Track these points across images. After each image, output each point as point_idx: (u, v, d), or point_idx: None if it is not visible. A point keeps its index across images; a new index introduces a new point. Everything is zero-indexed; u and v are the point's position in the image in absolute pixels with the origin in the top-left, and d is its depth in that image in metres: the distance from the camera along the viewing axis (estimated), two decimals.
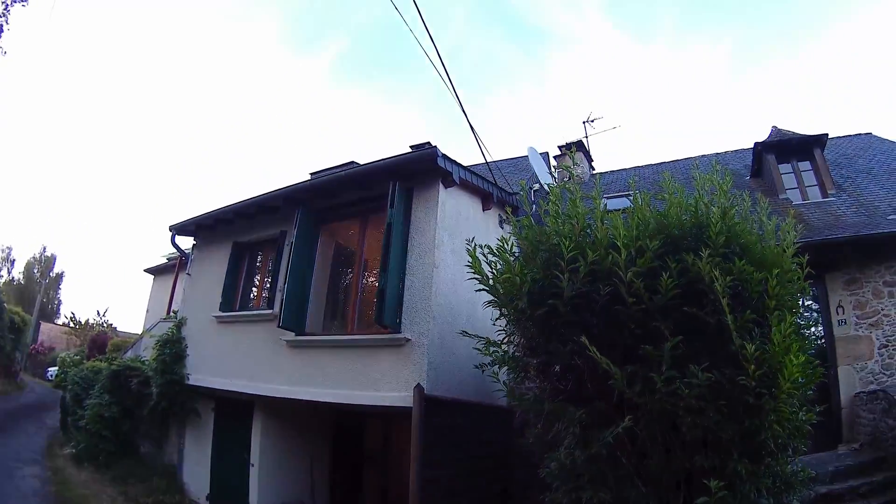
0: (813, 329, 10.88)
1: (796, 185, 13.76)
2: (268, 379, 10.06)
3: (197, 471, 12.13)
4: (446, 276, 8.78)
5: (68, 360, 31.12)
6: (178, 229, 13.00)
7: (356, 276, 10.06)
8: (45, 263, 59.29)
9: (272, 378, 9.99)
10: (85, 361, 27.45)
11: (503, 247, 6.16)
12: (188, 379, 11.97)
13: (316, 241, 10.10)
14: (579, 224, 5.76)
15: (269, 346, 10.19)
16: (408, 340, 8.35)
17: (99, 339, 30.83)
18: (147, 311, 25.37)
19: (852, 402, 10.50)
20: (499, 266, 6.12)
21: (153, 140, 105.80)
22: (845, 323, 11.00)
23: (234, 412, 11.44)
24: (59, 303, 59.97)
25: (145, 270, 25.76)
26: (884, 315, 10.83)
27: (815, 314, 11.16)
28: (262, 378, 10.18)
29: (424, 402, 7.79)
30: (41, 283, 55.34)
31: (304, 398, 9.40)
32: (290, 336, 9.68)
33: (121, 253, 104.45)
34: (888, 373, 10.60)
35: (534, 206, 10.50)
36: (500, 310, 6.38)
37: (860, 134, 17.20)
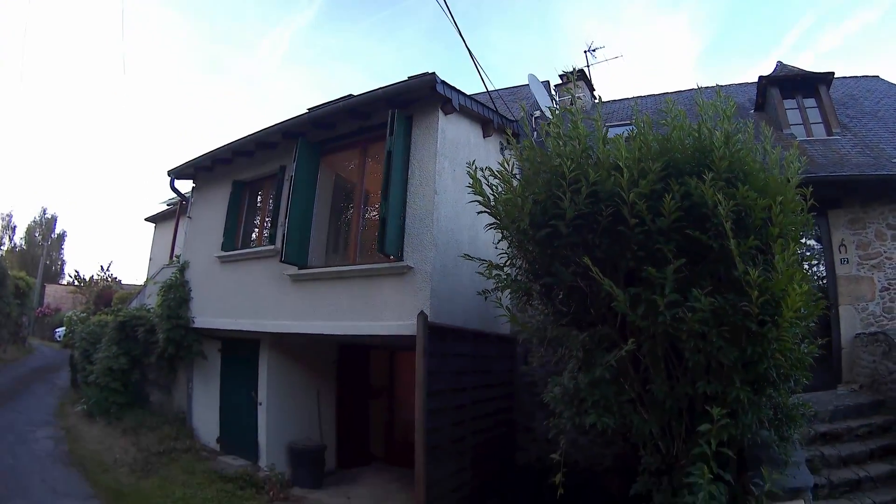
0: (815, 266, 10.84)
1: (801, 122, 13.49)
2: (273, 315, 9.98)
3: (206, 415, 12.16)
4: (447, 204, 8.64)
5: (75, 318, 30.97)
6: (177, 173, 12.80)
7: (357, 207, 9.89)
8: (46, 226, 58.65)
9: (277, 314, 9.91)
10: (91, 318, 27.56)
11: (504, 169, 6.04)
12: (193, 322, 11.89)
13: (316, 174, 9.90)
14: (581, 145, 5.60)
15: (273, 282, 10.08)
16: (410, 269, 8.25)
17: (104, 294, 31.20)
18: (150, 259, 25.03)
19: (853, 343, 10.47)
20: (500, 188, 6.04)
21: (149, 87, 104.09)
22: (847, 262, 10.93)
23: (240, 352, 11.42)
24: (63, 263, 59.47)
25: (146, 219, 25.43)
26: (886, 258, 10.78)
27: (817, 254, 11.06)
28: (267, 315, 10.09)
29: (428, 329, 7.68)
30: (43, 245, 55.18)
31: (308, 332, 9.37)
32: (293, 270, 9.56)
33: (121, 205, 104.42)
34: (889, 316, 10.57)
35: (534, 133, 10.40)
36: (502, 232, 6.29)
37: (867, 76, 16.93)
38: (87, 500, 9.01)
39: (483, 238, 8.19)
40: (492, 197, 6.03)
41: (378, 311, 8.54)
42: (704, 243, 4.90)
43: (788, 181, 5.35)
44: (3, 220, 53.91)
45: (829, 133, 13.07)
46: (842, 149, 12.31)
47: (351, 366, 12.25)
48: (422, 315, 7.68)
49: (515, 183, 5.98)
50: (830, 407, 7.80)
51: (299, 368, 11.32)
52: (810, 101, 13.76)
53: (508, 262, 6.63)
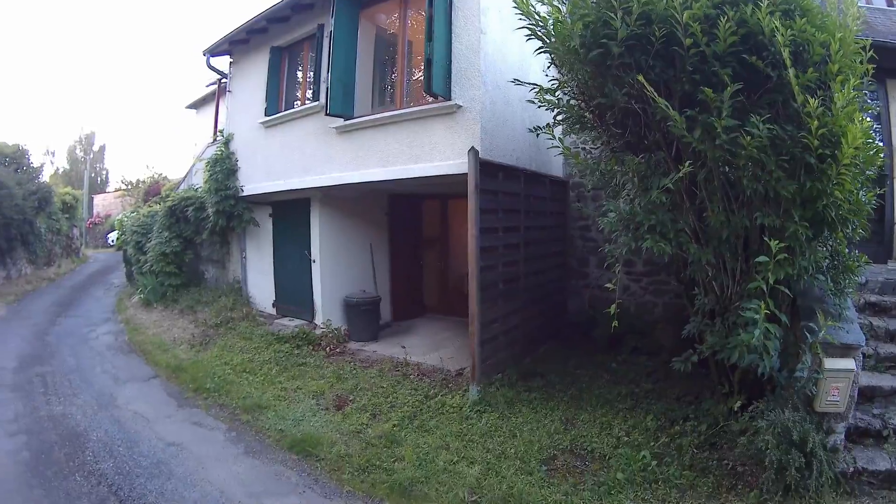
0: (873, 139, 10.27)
1: None
2: (321, 170, 9.87)
3: (261, 282, 12.35)
4: (493, 43, 8.19)
5: (125, 218, 31.31)
6: (212, 51, 12.50)
7: (401, 56, 9.50)
8: (85, 141, 58.80)
9: (325, 168, 9.79)
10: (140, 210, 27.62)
11: None
12: (242, 191, 11.91)
13: (356, 27, 9.47)
14: None
15: (319, 138, 9.92)
16: (459, 107, 7.95)
17: (152, 190, 30.84)
18: (195, 145, 25.22)
19: None
20: (547, 10, 5.69)
21: None
22: None
23: (291, 214, 11.42)
24: (107, 173, 59.96)
25: (187, 107, 25.55)
26: None
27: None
28: (316, 171, 9.99)
29: (479, 165, 7.51)
30: (86, 158, 55.61)
31: (359, 181, 9.22)
32: (339, 122, 9.36)
33: (160, 100, 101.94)
34: None
35: None
36: (552, 56, 6.05)
37: None
38: (149, 381, 9.33)
39: (530, 74, 7.96)
40: (539, 19, 5.69)
41: (428, 153, 8.33)
42: (761, 72, 4.71)
43: (848, 25, 4.95)
44: (46, 153, 54.15)
45: (891, 4, 12.24)
46: None
47: (403, 217, 12.25)
48: (473, 151, 7.48)
49: (563, 8, 5.61)
50: (881, 279, 7.48)
51: (351, 223, 11.33)
52: None
53: (560, 86, 6.39)
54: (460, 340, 10.07)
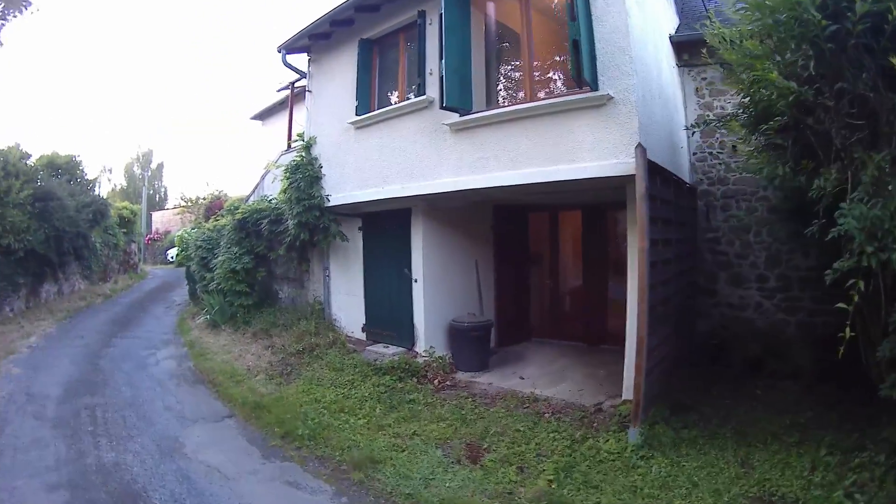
0: None
1: None
2: (430, 174, 8.44)
3: (347, 303, 10.95)
4: (636, 25, 6.80)
5: (186, 235, 30.67)
6: (289, 47, 11.16)
7: (525, 40, 7.95)
8: (143, 159, 58.86)
9: (435, 172, 8.37)
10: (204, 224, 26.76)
11: None
12: (328, 201, 10.47)
13: (468, 10, 8.11)
14: None
15: (426, 137, 8.52)
16: (610, 98, 6.52)
17: (213, 206, 29.72)
18: (261, 158, 23.44)
19: None
20: None
21: None
22: None
23: (386, 226, 10.07)
24: (165, 190, 59.98)
25: (252, 118, 24.34)
26: None
27: None
28: (422, 175, 8.57)
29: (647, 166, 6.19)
30: (144, 174, 55.72)
31: (481, 186, 7.76)
32: (454, 118, 7.95)
33: (216, 120, 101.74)
34: None
35: None
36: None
37: None
38: (222, 420, 7.87)
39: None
40: None
41: (570, 151, 6.87)
42: None
43: None
44: (103, 171, 54.26)
45: None
46: None
47: (508, 231, 10.76)
48: (640, 149, 6.17)
49: None
50: None
51: (455, 237, 9.87)
52: None
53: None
54: (582, 369, 8.80)
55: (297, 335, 10.59)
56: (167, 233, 37.53)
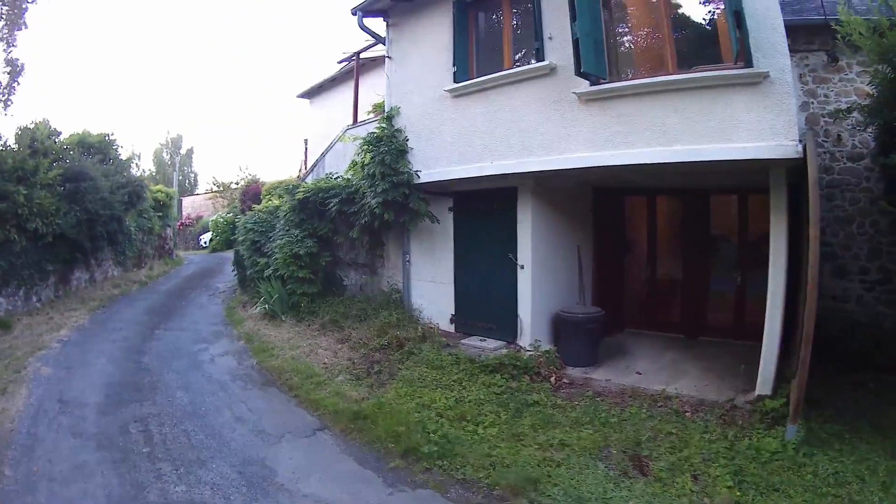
0: None
1: None
2: (550, 149, 7.49)
3: (431, 290, 10.00)
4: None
5: (220, 220, 30.31)
6: (365, 9, 10.03)
7: (664, 8, 7.11)
8: (172, 145, 59.11)
9: (557, 147, 7.43)
10: (240, 215, 26.23)
11: None
12: (417, 177, 9.41)
13: None
14: None
15: (547, 107, 7.56)
16: (766, 77, 5.92)
17: (250, 190, 29.74)
18: (306, 140, 23.47)
19: None
20: None
21: None
22: None
23: (484, 207, 9.13)
24: (196, 175, 60.38)
25: (299, 96, 23.24)
26: None
27: None
28: (542, 150, 7.59)
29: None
30: (175, 159, 55.60)
31: (623, 163, 6.88)
32: (584, 88, 7.02)
33: (246, 106, 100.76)
34: None
35: None
36: None
37: None
38: (314, 435, 6.54)
39: None
40: None
41: (725, 131, 6.21)
42: None
43: None
44: (131, 153, 54.33)
45: None
46: None
47: (607, 215, 9.83)
48: (811, 131, 6.10)
49: None
50: None
51: (559, 220, 8.90)
52: None
53: None
54: (695, 363, 7.97)
55: (377, 328, 9.52)
56: (199, 218, 36.87)
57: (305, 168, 24.73)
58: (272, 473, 5.52)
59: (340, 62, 17.25)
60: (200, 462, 5.75)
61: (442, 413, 6.66)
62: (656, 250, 10.25)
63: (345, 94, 19.10)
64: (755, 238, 8.47)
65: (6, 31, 19.58)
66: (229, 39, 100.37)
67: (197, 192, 49.32)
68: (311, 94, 22.45)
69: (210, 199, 37.29)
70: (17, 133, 13.72)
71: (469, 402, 6.94)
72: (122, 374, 8.77)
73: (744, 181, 8.07)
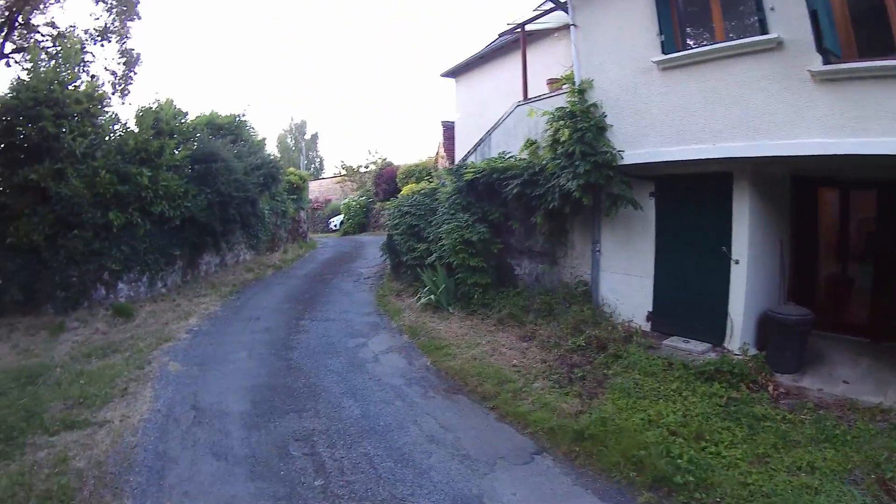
0: None
1: None
2: (781, 132, 7.31)
3: (624, 284, 10.00)
4: None
5: (353, 202, 32.10)
6: None
7: None
8: (296, 130, 62.47)
9: (790, 130, 7.22)
10: (374, 198, 26.67)
11: None
12: (620, 158, 9.30)
13: None
14: None
15: (774, 86, 7.38)
16: None
17: (385, 173, 31.24)
18: (448, 121, 24.28)
19: None
20: None
21: None
22: None
23: (691, 193, 9.05)
24: (321, 160, 63.85)
25: (443, 75, 23.58)
26: None
27: None
28: (770, 133, 7.42)
29: None
30: (300, 145, 58.08)
31: (857, 152, 6.60)
32: (817, 66, 6.81)
33: (371, 91, 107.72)
34: None
35: None
36: None
37: None
38: (533, 461, 5.95)
39: None
40: None
41: None
42: None
43: None
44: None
45: None
46: None
47: (803, 207, 9.50)
48: None
49: None
50: None
51: (768, 211, 8.70)
52: None
53: None
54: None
55: (570, 325, 9.45)
56: (327, 201, 38.76)
57: (443, 150, 25.10)
58: None
59: (502, 34, 17.46)
60: (399, 502, 5.09)
61: (675, 431, 6.25)
62: (847, 245, 9.80)
63: (495, 71, 19.40)
64: None
65: (118, 23, 20.94)
66: (351, 23, 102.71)
67: (323, 175, 51.85)
68: (457, 72, 22.83)
69: (338, 182, 39.10)
70: (137, 114, 14.13)
71: (693, 416, 6.60)
72: (268, 373, 8.33)
73: None
